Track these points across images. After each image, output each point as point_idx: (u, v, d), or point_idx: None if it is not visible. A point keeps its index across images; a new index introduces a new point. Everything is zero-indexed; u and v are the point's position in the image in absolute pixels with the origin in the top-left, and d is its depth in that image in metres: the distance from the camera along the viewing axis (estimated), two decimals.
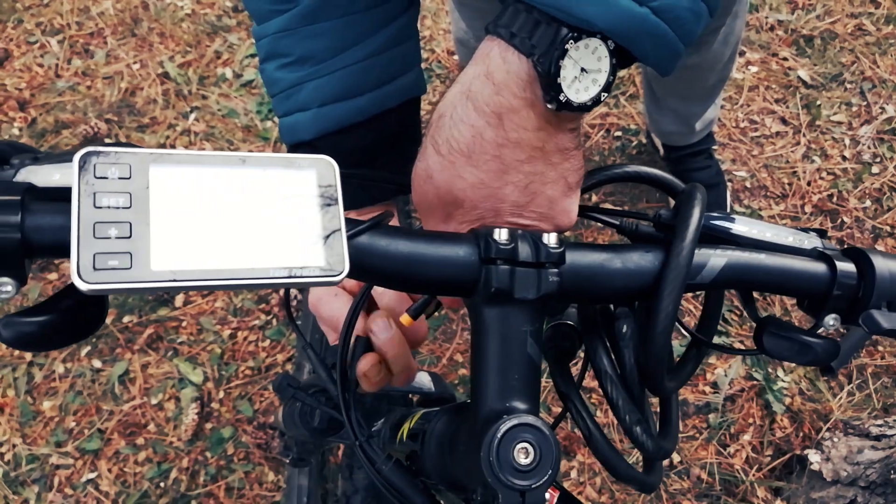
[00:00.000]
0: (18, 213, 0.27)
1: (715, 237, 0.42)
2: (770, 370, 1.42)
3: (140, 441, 1.39)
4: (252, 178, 0.29)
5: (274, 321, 1.49)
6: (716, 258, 0.39)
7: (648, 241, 0.42)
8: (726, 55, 1.21)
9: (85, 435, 1.39)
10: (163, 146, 1.68)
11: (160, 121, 1.72)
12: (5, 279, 0.27)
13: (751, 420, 1.36)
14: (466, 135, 0.37)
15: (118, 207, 0.26)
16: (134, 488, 1.34)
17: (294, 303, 1.46)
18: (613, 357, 0.43)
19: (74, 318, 0.29)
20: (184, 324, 1.49)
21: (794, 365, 1.35)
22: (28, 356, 1.45)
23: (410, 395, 0.72)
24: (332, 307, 0.49)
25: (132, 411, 1.41)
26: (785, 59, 1.76)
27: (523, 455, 0.34)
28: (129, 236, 0.26)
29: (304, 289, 0.52)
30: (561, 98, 0.36)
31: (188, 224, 0.27)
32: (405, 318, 0.46)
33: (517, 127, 0.37)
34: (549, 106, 0.36)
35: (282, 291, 1.48)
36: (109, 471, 1.36)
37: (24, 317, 0.28)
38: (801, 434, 1.32)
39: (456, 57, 1.66)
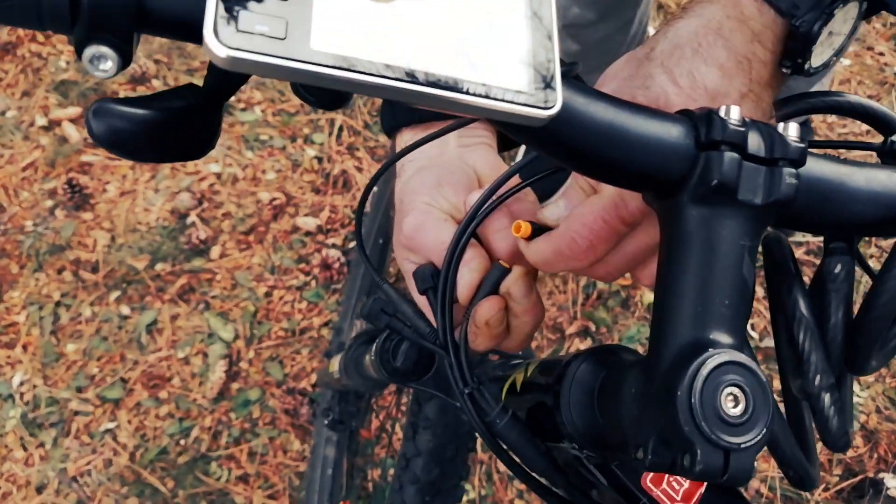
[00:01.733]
0: None
1: None
2: None
3: (163, 395, 1.32)
4: None
5: (313, 282, 1.41)
6: None
7: None
8: None
9: (107, 383, 1.32)
10: None
11: None
12: (106, 50, 0.19)
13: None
14: (715, 74, 0.35)
15: None
16: (153, 442, 1.28)
17: (336, 265, 1.39)
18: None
19: (182, 123, 0.21)
20: (218, 277, 1.42)
21: (871, 379, 1.25)
22: (56, 296, 1.39)
23: (489, 356, 0.64)
24: (438, 234, 0.42)
25: (157, 363, 1.35)
26: (881, 53, 1.65)
27: (731, 402, 0.25)
28: None
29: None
30: (802, 62, 0.34)
31: (364, 2, 0.19)
32: (524, 226, 0.37)
33: (758, 79, 0.35)
34: (784, 69, 0.35)
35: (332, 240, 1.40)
36: (129, 422, 1.30)
37: (123, 106, 0.20)
38: (876, 455, 1.21)
39: None
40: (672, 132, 0.27)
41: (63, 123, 1.56)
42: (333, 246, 1.45)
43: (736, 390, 0.25)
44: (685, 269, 0.28)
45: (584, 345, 1.39)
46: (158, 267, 1.42)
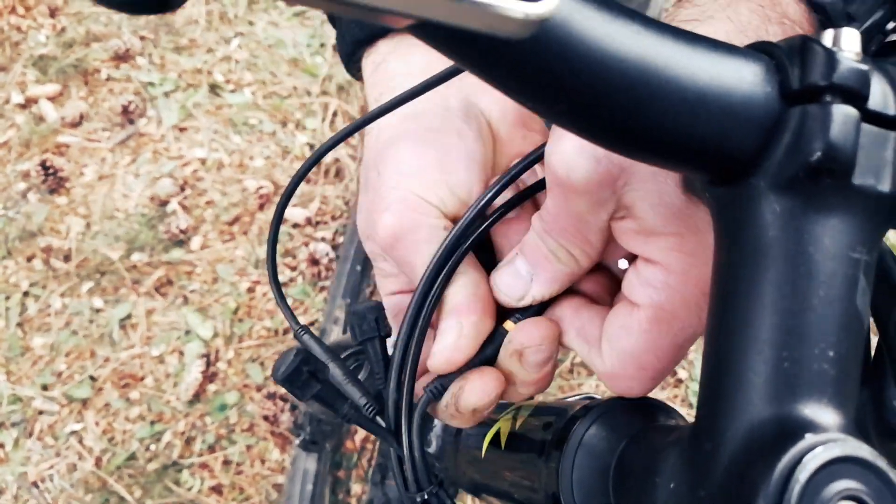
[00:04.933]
0: None
1: None
2: None
3: (134, 395, 1.22)
4: None
5: (299, 278, 1.31)
6: None
7: None
8: None
9: (75, 380, 1.23)
10: (199, 72, 1.51)
11: (199, 44, 1.55)
12: None
13: None
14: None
15: None
16: (121, 447, 1.18)
17: (325, 261, 1.29)
18: None
19: None
20: (198, 269, 1.32)
21: None
22: (24, 285, 1.30)
23: None
24: (432, 249, 0.27)
25: (130, 361, 1.25)
26: None
27: None
28: None
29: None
30: None
31: None
32: (509, 323, 0.26)
33: None
34: None
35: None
36: (97, 424, 1.20)
37: None
38: None
39: None
40: (741, 75, 0.17)
41: (40, 101, 1.47)
42: (322, 240, 1.34)
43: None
44: (761, 298, 0.17)
45: None
46: (135, 257, 1.32)
